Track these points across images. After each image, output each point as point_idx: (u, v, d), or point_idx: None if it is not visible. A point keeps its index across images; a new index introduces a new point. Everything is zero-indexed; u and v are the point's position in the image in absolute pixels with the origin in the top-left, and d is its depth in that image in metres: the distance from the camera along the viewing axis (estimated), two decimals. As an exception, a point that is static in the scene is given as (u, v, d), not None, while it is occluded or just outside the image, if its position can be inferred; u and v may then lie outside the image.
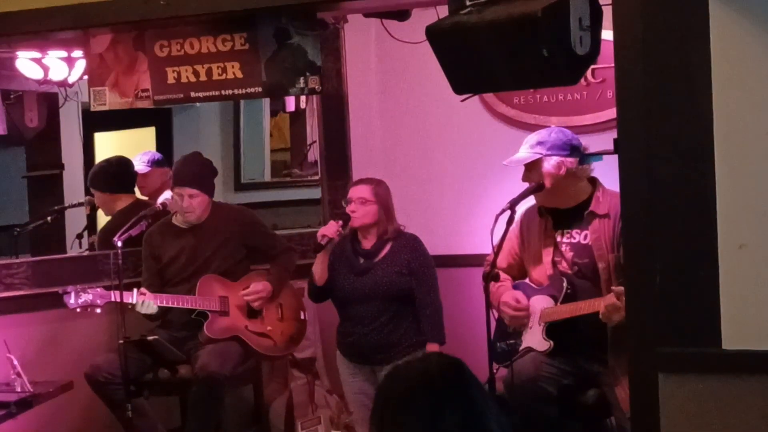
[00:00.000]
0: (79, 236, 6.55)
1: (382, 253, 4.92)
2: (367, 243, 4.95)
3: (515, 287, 4.58)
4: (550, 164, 4.38)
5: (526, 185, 4.45)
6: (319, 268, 4.96)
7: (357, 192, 4.93)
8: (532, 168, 4.43)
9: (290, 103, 7.65)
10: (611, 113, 5.07)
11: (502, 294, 4.53)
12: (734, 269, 3.15)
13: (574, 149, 4.41)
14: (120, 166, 6.07)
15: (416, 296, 4.85)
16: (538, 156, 4.40)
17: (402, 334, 4.83)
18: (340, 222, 4.92)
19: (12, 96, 7.13)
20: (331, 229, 4.90)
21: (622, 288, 3.86)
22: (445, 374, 2.24)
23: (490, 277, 4.22)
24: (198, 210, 5.24)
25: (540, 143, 4.42)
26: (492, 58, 3.43)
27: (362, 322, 4.88)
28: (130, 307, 4.98)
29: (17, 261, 5.62)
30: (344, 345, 4.98)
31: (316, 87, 4.91)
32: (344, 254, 4.97)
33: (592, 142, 4.56)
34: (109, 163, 6.09)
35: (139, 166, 6.33)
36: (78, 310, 5.00)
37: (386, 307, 4.84)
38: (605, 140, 4.24)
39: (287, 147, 8.56)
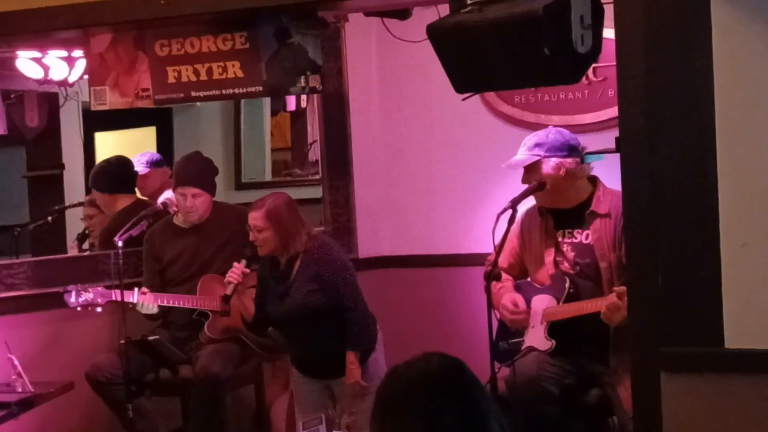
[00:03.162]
0: (80, 237, 6.54)
1: (293, 273, 4.67)
2: (282, 262, 4.73)
3: (517, 287, 4.57)
4: (549, 166, 4.37)
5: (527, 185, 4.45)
6: (242, 309, 4.90)
7: (251, 220, 4.66)
8: (531, 170, 4.42)
9: (291, 103, 7.66)
10: (612, 112, 5.07)
11: (502, 296, 4.51)
12: (736, 268, 3.15)
13: (572, 149, 4.40)
14: (120, 167, 6.06)
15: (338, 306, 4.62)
16: (537, 158, 4.39)
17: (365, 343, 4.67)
18: (243, 262, 4.83)
19: (12, 96, 7.14)
20: (233, 274, 4.82)
21: (623, 288, 3.86)
22: (446, 374, 2.24)
23: (492, 276, 4.21)
24: (201, 209, 5.24)
25: (538, 145, 4.41)
26: (493, 57, 3.43)
27: (302, 345, 4.78)
28: (130, 306, 4.98)
29: (18, 261, 5.62)
30: (294, 361, 4.88)
31: (317, 86, 4.89)
32: (267, 279, 4.81)
33: (593, 141, 4.56)
34: (108, 163, 6.08)
35: (138, 167, 6.32)
36: (79, 309, 5.00)
37: (315, 326, 4.65)
38: (606, 139, 4.24)
39: (288, 146, 8.55)
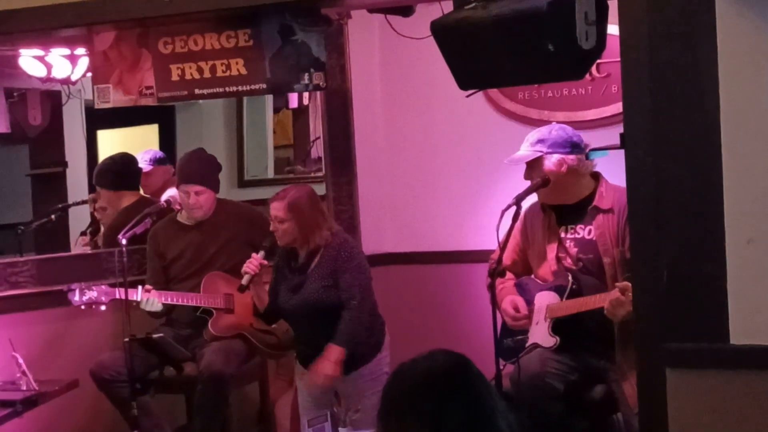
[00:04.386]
0: (84, 234, 6.54)
1: (311, 267, 4.65)
2: (302, 255, 4.71)
3: (519, 284, 4.57)
4: (551, 162, 4.37)
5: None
6: (256, 299, 4.84)
7: (272, 210, 4.65)
8: (533, 166, 4.42)
9: (293, 100, 7.64)
10: (616, 108, 5.08)
11: (503, 297, 4.51)
12: (742, 264, 3.15)
13: (574, 146, 4.40)
14: (124, 164, 6.05)
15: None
16: (539, 154, 4.39)
17: (353, 346, 4.61)
18: (262, 253, 4.80)
19: (15, 94, 7.14)
20: (251, 265, 4.76)
21: (626, 283, 3.86)
22: (451, 372, 2.24)
23: (496, 273, 4.21)
24: (205, 206, 5.24)
25: (540, 141, 4.41)
26: (497, 54, 3.43)
27: (309, 340, 4.74)
28: (134, 304, 4.98)
29: (22, 259, 5.61)
30: (299, 356, 4.86)
31: (321, 83, 4.88)
32: (283, 270, 4.80)
33: (596, 137, 4.56)
34: (113, 160, 6.07)
35: (142, 164, 6.31)
36: (83, 307, 5.00)
37: (324, 322, 4.61)
38: (610, 135, 4.24)
39: (290, 143, 8.55)
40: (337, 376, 4.57)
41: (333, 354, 4.55)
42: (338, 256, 4.61)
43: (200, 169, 5.29)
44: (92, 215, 6.62)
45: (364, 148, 5.88)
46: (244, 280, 4.78)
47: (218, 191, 5.36)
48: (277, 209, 4.63)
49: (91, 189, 6.48)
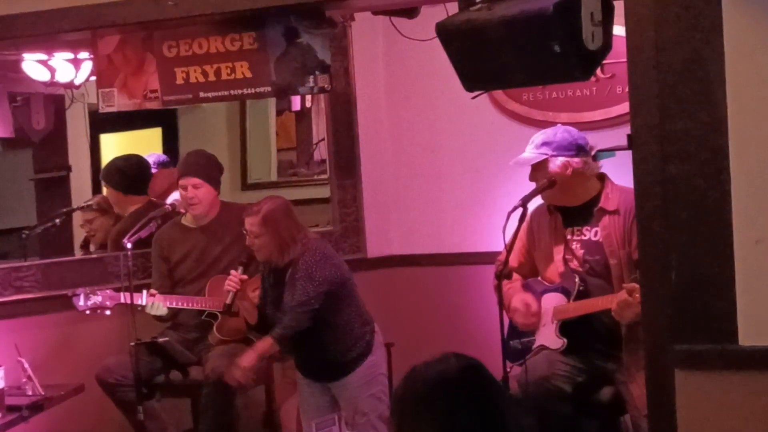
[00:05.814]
0: (82, 244, 6.53)
1: (284, 281, 4.65)
2: (279, 268, 4.70)
3: (526, 285, 4.56)
4: (556, 165, 4.37)
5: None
6: (245, 314, 4.85)
7: (247, 225, 4.64)
8: (538, 168, 4.42)
9: (296, 102, 7.65)
10: (621, 109, 5.08)
11: (512, 296, 4.50)
12: (750, 265, 3.15)
13: (579, 149, 4.39)
14: (139, 168, 6.01)
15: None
16: (544, 157, 4.39)
17: (336, 352, 4.64)
18: (240, 269, 4.81)
19: (19, 98, 7.13)
20: (231, 282, 4.79)
21: (633, 285, 3.86)
22: (464, 375, 2.24)
23: (503, 275, 4.21)
24: (203, 202, 5.21)
25: (546, 143, 4.41)
26: (503, 55, 3.43)
27: (299, 349, 4.77)
28: (139, 308, 4.98)
29: (26, 264, 5.61)
30: (297, 365, 4.89)
31: (326, 86, 4.87)
32: (265, 284, 4.81)
33: (602, 138, 4.56)
34: (128, 163, 6.01)
35: (147, 167, 6.31)
36: (87, 312, 5.00)
37: (309, 331, 4.60)
38: (615, 136, 4.22)
39: (293, 146, 8.55)
40: (253, 366, 4.68)
41: (260, 345, 4.67)
42: (301, 267, 4.56)
43: (199, 163, 5.29)
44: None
45: (369, 150, 5.89)
46: (228, 299, 4.80)
47: (218, 191, 5.32)
48: (251, 224, 4.61)
49: (95, 193, 6.45)
